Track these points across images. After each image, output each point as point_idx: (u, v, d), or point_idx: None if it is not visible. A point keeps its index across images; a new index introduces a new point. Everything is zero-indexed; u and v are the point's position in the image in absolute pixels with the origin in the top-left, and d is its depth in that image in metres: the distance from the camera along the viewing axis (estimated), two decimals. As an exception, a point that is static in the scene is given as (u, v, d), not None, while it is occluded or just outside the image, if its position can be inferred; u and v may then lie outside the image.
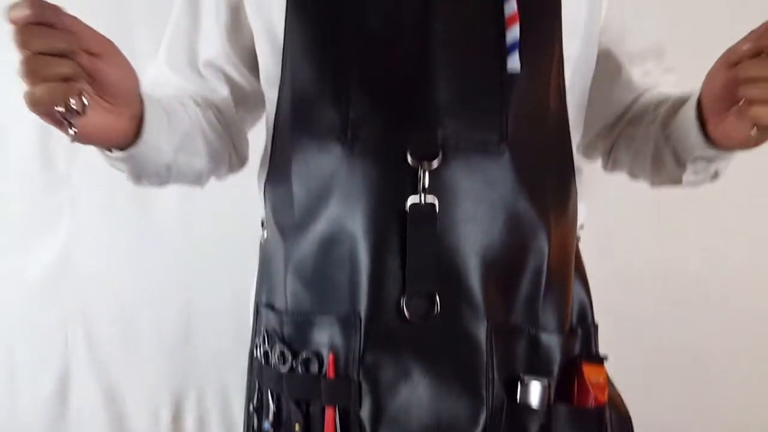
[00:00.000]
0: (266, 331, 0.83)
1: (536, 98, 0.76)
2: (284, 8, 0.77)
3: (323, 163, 0.75)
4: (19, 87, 1.39)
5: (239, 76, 0.89)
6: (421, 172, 0.71)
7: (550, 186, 0.77)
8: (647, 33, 0.90)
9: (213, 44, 0.88)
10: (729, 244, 1.47)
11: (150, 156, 0.76)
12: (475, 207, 0.73)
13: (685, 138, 0.77)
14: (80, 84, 0.61)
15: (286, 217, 0.80)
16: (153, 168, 0.79)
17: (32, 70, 0.59)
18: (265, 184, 0.84)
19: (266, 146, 0.88)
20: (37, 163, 1.42)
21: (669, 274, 1.47)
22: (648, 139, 0.85)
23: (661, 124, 0.83)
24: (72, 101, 0.60)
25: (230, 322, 1.40)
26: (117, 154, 0.73)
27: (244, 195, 0.96)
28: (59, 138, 1.37)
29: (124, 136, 0.72)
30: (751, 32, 0.66)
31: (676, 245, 1.46)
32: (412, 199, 0.72)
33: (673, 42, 0.92)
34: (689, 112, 0.76)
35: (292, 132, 0.78)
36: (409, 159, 0.72)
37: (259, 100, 0.90)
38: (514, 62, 0.73)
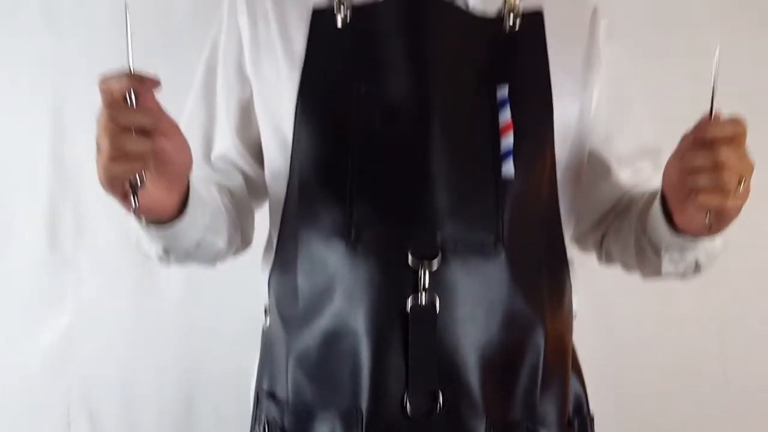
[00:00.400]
0: (267, 420, 0.84)
1: (529, 201, 0.80)
2: (293, 112, 0.82)
3: (328, 259, 0.78)
4: (26, 169, 1.42)
5: (248, 167, 0.93)
6: (421, 273, 0.75)
7: (545, 283, 0.81)
8: (639, 134, 0.93)
9: (225, 139, 0.92)
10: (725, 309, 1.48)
11: (186, 232, 0.79)
12: (473, 306, 0.76)
13: (656, 228, 0.80)
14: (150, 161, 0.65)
15: (290, 308, 0.83)
16: (185, 244, 0.81)
17: (117, 145, 0.63)
18: (270, 274, 0.87)
19: (270, 236, 0.91)
20: (44, 243, 1.46)
21: (666, 341, 1.48)
22: (631, 231, 0.88)
23: (638, 216, 0.86)
24: (140, 176, 0.65)
25: (232, 405, 1.40)
26: (158, 229, 0.76)
27: (246, 278, 0.99)
28: (66, 220, 1.44)
29: (171, 212, 0.75)
30: (694, 125, 0.70)
31: (672, 310, 1.47)
32: (412, 299, 0.74)
33: (668, 140, 0.95)
34: (656, 202, 0.79)
35: (298, 227, 0.81)
36: (410, 260, 0.75)
37: (263, 187, 0.93)
38: (508, 168, 0.78)
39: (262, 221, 0.95)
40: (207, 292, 1.43)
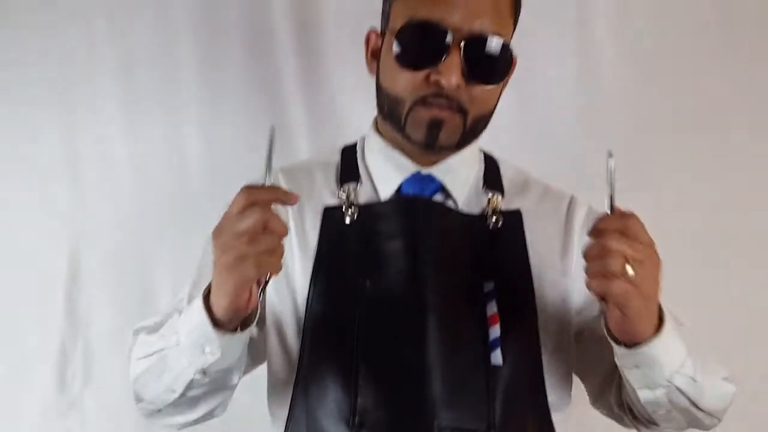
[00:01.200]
0: None
1: (518, 386, 0.87)
2: (306, 299, 0.91)
3: None
4: (39, 313, 1.46)
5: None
6: None
7: None
8: None
9: None
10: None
11: (241, 344, 0.85)
12: None
13: (613, 350, 0.83)
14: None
15: None
16: (230, 360, 0.84)
17: (269, 243, 0.74)
18: None
19: (273, 410, 0.96)
20: (53, 385, 1.50)
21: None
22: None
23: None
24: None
25: None
26: (232, 334, 0.81)
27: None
28: (75, 363, 1.49)
29: (239, 321, 0.81)
30: None
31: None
32: None
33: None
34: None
35: (308, 408, 0.88)
36: None
37: (261, 355, 0.99)
38: (496, 357, 0.86)
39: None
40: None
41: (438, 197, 0.96)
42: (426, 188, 0.96)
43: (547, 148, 1.49)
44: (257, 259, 0.73)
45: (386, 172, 0.97)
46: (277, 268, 0.76)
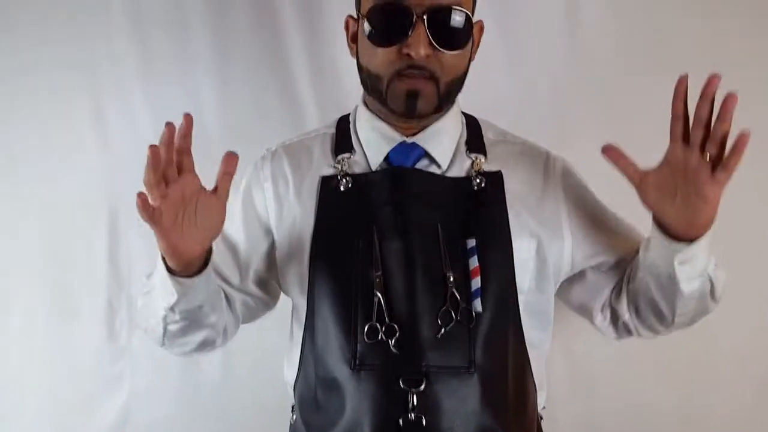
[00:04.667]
0: None
1: (496, 331, 0.99)
2: (308, 258, 1.04)
3: (340, 382, 0.99)
4: (86, 272, 1.64)
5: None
6: (410, 395, 0.95)
7: (510, 396, 1.00)
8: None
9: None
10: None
11: (196, 290, 0.98)
12: (452, 420, 0.96)
13: (660, 250, 0.97)
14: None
15: (311, 415, 1.04)
16: (190, 303, 0.99)
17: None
18: (295, 383, 1.08)
19: (292, 349, 1.12)
20: (103, 335, 1.68)
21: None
22: (645, 278, 1.03)
23: (641, 261, 1.02)
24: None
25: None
26: (178, 280, 0.96)
27: (273, 364, 1.20)
28: (121, 314, 1.67)
29: (192, 266, 0.96)
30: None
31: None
32: (404, 416, 0.95)
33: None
34: (652, 231, 0.98)
35: (316, 352, 1.02)
36: (402, 385, 0.95)
37: (259, 307, 1.17)
38: (477, 306, 0.98)
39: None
40: (240, 375, 1.64)
41: (423, 162, 1.06)
42: (411, 156, 1.06)
43: (532, 102, 1.57)
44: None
45: (375, 143, 1.08)
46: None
